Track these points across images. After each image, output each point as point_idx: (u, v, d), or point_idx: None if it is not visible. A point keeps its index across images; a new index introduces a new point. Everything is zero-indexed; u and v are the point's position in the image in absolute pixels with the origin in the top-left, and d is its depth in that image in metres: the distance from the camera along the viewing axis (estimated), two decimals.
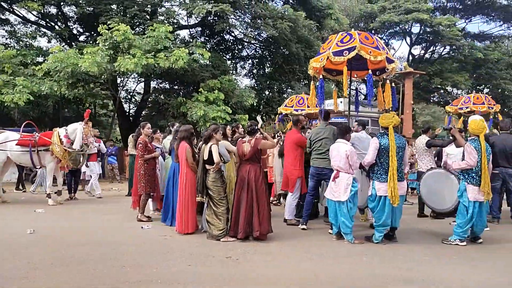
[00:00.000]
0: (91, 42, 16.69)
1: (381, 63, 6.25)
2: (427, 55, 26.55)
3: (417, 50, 27.09)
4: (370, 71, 6.28)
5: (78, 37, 19.27)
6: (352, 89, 8.15)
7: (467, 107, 10.12)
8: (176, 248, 4.94)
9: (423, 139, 7.51)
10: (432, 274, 4.16)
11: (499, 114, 10.11)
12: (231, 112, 14.52)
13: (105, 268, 4.10)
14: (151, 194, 6.86)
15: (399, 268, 4.38)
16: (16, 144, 8.31)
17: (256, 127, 5.69)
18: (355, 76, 7.62)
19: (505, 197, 7.30)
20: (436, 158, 7.73)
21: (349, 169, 5.48)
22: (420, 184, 6.45)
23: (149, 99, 19.36)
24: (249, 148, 5.54)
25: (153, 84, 19.86)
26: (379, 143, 5.35)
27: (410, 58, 26.21)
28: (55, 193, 8.44)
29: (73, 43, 17.82)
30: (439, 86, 24.41)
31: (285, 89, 22.54)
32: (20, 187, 11.01)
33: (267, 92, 21.83)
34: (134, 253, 4.66)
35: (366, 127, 9.31)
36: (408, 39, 26.02)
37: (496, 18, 25.01)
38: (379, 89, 7.24)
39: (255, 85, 21.92)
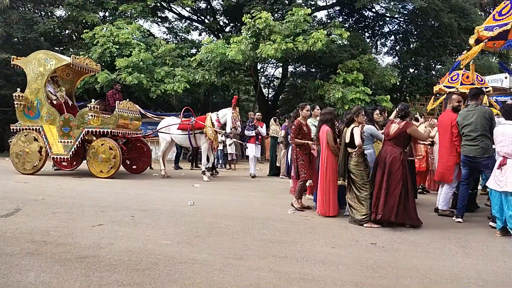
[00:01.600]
0: (236, 32, 17.94)
1: None
2: None
3: None
4: None
5: (224, 28, 20.91)
6: None
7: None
8: (319, 229, 4.99)
9: None
10: None
11: None
12: (371, 93, 13.86)
13: (254, 240, 4.40)
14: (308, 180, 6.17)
15: None
16: (178, 128, 9.53)
17: (409, 111, 5.38)
18: (494, 45, 6.41)
19: None
20: None
21: None
22: None
23: (287, 83, 19.86)
24: (396, 128, 5.24)
25: (290, 68, 20.28)
26: None
27: None
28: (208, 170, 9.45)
29: (220, 34, 19.43)
30: None
31: (433, 66, 20.37)
32: (181, 164, 12.67)
33: (411, 70, 20.11)
34: (280, 230, 4.88)
35: None
36: None
37: None
38: None
39: (398, 63, 20.41)
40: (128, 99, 10.11)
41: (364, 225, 5.13)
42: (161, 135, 9.79)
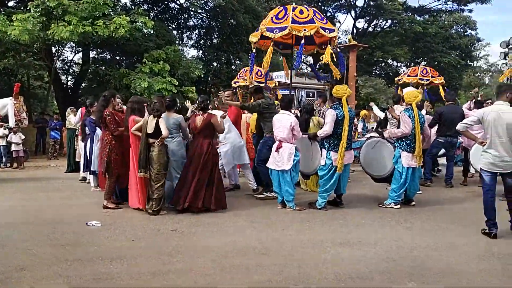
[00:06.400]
0: (21, 8, 15.26)
1: (324, 37, 6.37)
2: (370, 29, 27.30)
3: (361, 24, 27.74)
4: (302, 41, 6.43)
5: (6, 2, 17.52)
6: (305, 63, 8.42)
7: (427, 79, 10.64)
8: (120, 224, 4.82)
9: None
10: (368, 236, 4.43)
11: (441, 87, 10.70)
12: (177, 84, 14.12)
13: (43, 247, 3.92)
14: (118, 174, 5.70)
15: (338, 231, 4.63)
16: None
17: (208, 103, 5.72)
18: (304, 49, 7.69)
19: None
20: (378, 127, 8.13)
21: (291, 139, 5.60)
22: (360, 152, 6.75)
23: (89, 70, 18.28)
24: (201, 121, 5.52)
25: (92, 54, 18.72)
26: (335, 114, 5.48)
27: (355, 31, 26.81)
28: None
29: (1, 9, 16.19)
30: (381, 59, 25.34)
31: (233, 61, 22.24)
32: None
33: (215, 64, 21.43)
34: (76, 232, 4.48)
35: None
36: (353, 12, 26.51)
37: None
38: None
39: (203, 56, 21.42)
40: None
41: (161, 213, 5.22)
42: None
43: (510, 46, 11.70)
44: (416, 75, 10.64)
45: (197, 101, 5.83)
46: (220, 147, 6.37)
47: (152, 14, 18.21)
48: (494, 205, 4.42)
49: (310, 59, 23.06)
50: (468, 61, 28.92)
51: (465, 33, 27.19)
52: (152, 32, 15.18)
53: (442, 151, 7.80)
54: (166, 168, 5.34)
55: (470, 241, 4.33)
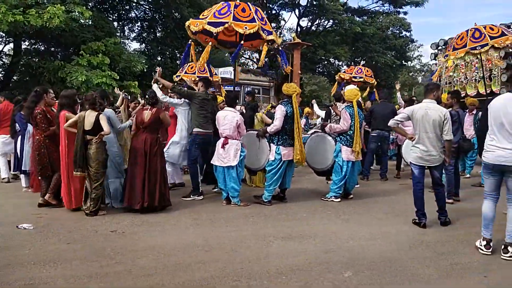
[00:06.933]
0: None
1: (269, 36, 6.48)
2: (313, 28, 28.09)
3: (304, 22, 28.45)
4: (242, 42, 6.50)
5: None
6: (246, 58, 8.40)
7: (360, 77, 11.13)
8: (54, 226, 4.55)
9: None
10: (309, 229, 4.59)
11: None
12: (118, 78, 13.58)
13: None
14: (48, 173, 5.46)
15: (281, 226, 4.74)
16: None
17: (157, 98, 5.57)
18: (251, 45, 7.72)
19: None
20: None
21: (237, 135, 5.63)
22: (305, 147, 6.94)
23: (21, 62, 16.97)
24: (150, 115, 5.32)
25: (24, 45, 17.41)
26: (285, 110, 5.57)
27: (299, 29, 27.43)
28: None
29: None
30: (323, 58, 26.19)
31: (178, 56, 21.80)
32: None
33: (159, 58, 20.87)
34: (5, 235, 4.17)
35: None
36: (297, 11, 27.09)
37: None
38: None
39: (146, 50, 20.77)
40: None
41: (99, 213, 5.01)
42: None
43: (439, 48, 12.59)
44: (351, 73, 11.22)
45: (146, 96, 5.66)
46: (174, 147, 6.26)
47: (90, 4, 17.28)
48: (423, 196, 4.76)
49: (257, 56, 23.21)
50: (403, 61, 30.84)
51: (401, 35, 28.94)
52: (90, 23, 14.44)
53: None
54: (105, 166, 5.11)
55: (402, 230, 4.63)
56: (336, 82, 11.75)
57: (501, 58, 8.27)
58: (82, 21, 14.05)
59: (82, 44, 13.87)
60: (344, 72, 11.52)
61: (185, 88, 6.42)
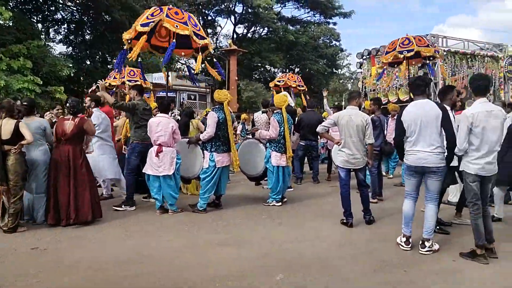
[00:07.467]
0: None
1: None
2: (249, 35, 28.57)
3: (240, 29, 28.86)
4: (174, 41, 6.40)
5: None
6: (182, 63, 8.26)
7: (294, 81, 11.56)
8: None
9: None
10: (245, 235, 4.64)
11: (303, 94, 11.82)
12: (42, 83, 12.70)
13: None
14: None
15: (217, 232, 4.75)
16: None
17: (80, 107, 5.26)
18: (182, 54, 7.64)
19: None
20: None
21: (172, 143, 5.55)
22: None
23: None
24: (72, 126, 5.02)
25: None
26: (217, 116, 5.57)
27: (235, 36, 27.73)
28: None
29: None
30: (259, 64, 26.74)
31: (109, 60, 20.89)
32: None
33: (88, 62, 19.85)
34: None
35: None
36: (232, 18, 27.38)
37: (305, 5, 28.62)
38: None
39: (73, 53, 19.66)
40: None
41: (18, 230, 4.66)
42: None
43: (364, 57, 13.47)
44: (283, 81, 11.64)
45: (67, 104, 5.35)
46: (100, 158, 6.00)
47: (11, 3, 16.01)
48: (349, 197, 5.05)
49: (192, 61, 23.01)
50: (334, 69, 32.49)
51: (331, 44, 30.48)
52: (10, 24, 13.37)
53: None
54: (24, 179, 4.75)
55: (332, 231, 4.86)
56: (273, 90, 11.97)
57: (419, 68, 9.13)
58: (1, 22, 12.98)
59: (2, 47, 12.81)
60: (278, 81, 11.85)
61: (125, 102, 6.23)
